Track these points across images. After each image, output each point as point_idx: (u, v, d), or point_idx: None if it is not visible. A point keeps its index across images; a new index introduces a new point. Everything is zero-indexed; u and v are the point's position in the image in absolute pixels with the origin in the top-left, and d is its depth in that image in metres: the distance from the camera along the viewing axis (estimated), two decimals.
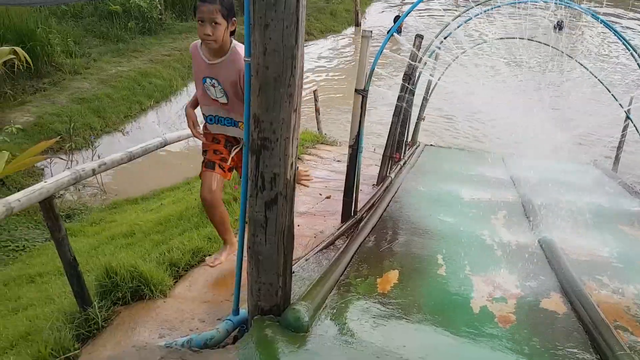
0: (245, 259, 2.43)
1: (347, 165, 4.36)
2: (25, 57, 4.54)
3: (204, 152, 3.21)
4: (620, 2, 15.18)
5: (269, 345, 2.26)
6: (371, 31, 3.97)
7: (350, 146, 4.29)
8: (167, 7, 13.02)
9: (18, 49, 4.72)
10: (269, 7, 1.83)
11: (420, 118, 8.97)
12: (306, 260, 3.36)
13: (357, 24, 14.81)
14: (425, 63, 7.12)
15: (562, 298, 3.01)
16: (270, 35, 1.89)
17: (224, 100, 3.01)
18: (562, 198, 5.34)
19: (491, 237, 4.23)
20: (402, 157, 7.29)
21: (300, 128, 2.18)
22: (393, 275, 3.22)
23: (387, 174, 6.08)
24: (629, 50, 5.80)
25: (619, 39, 5.87)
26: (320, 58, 13.24)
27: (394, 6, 16.26)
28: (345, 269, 3.25)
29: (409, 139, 8.43)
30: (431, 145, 9.40)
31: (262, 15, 1.84)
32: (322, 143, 8.84)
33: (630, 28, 14.69)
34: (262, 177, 2.16)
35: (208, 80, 2.98)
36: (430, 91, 8.76)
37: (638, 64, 6.10)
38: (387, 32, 14.51)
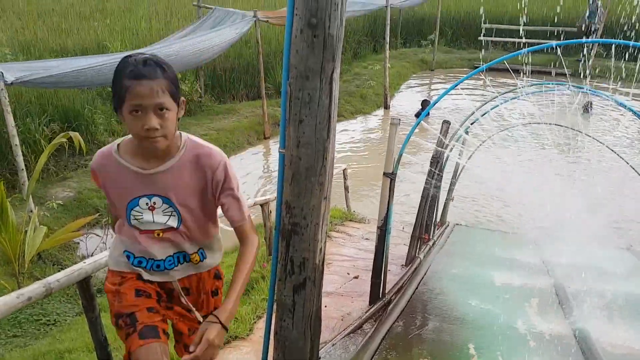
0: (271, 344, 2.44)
1: (376, 246, 4.39)
2: (80, 142, 4.84)
3: (127, 317, 1.95)
4: None
5: None
6: (399, 119, 4.13)
7: (378, 227, 4.33)
8: (207, 90, 13.74)
9: (74, 134, 5.05)
10: (304, 105, 1.97)
11: (449, 198, 9.00)
12: (333, 345, 3.32)
13: (386, 107, 15.25)
14: (453, 147, 7.25)
15: None
16: (304, 130, 2.02)
17: (172, 224, 1.98)
18: (596, 285, 5.19)
19: (525, 326, 4.10)
20: (430, 237, 7.26)
21: (329, 214, 2.26)
22: None
23: (416, 255, 6.04)
24: None
25: None
26: (350, 138, 13.60)
27: (422, 89, 16.76)
28: (373, 356, 3.20)
29: (438, 220, 8.44)
30: (460, 224, 9.34)
31: (297, 112, 1.98)
32: (350, 220, 8.89)
33: None
34: (292, 261, 2.22)
35: (143, 200, 1.95)
36: (458, 174, 8.84)
37: None
38: (416, 117, 14.91)
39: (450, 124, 6.08)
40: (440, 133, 5.99)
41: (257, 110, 13.28)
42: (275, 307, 2.37)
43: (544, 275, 5.88)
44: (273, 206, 5.72)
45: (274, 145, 13.30)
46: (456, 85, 4.01)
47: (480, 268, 6.04)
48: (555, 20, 16.71)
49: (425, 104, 14.06)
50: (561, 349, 3.55)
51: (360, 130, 14.08)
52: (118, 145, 1.95)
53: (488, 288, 5.17)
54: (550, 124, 6.98)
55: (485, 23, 17.83)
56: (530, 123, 7.97)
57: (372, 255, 5.69)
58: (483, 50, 17.27)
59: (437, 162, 6.13)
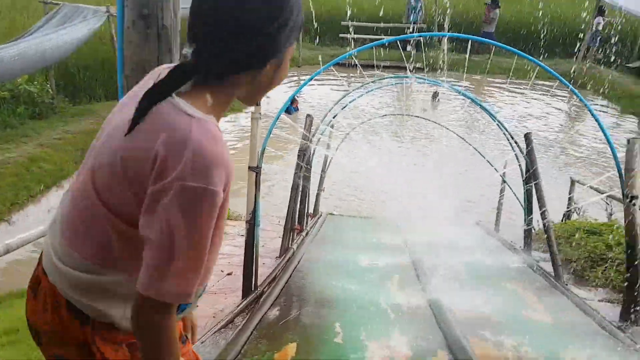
0: None
1: (245, 240, 4.42)
2: None
3: None
4: (501, 72, 17.15)
5: None
6: (260, 113, 4.20)
7: (247, 221, 4.37)
8: (60, 90, 12.71)
9: None
10: None
11: (320, 190, 9.32)
12: (202, 343, 3.30)
13: (257, 103, 15.27)
14: (319, 140, 7.52)
15: (447, 355, 3.19)
16: None
17: None
18: (449, 259, 5.73)
19: (386, 301, 4.40)
20: (304, 227, 7.47)
21: None
22: (291, 349, 3.25)
23: (290, 246, 6.18)
24: (495, 121, 6.54)
25: (485, 111, 6.63)
26: (223, 136, 13.47)
27: (291, 85, 17.08)
28: (243, 347, 3.23)
29: (311, 210, 8.70)
30: (333, 214, 9.71)
31: None
32: (226, 218, 8.82)
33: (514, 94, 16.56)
34: None
35: None
36: (327, 166, 9.19)
37: (504, 133, 6.88)
38: (286, 113, 15.17)
39: (313, 118, 6.29)
40: (304, 127, 6.18)
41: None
42: None
43: (404, 253, 6.34)
44: None
45: None
46: (310, 79, 4.19)
47: (349, 253, 6.35)
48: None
49: (294, 100, 14.33)
50: (418, 319, 3.88)
51: (232, 127, 14.00)
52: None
53: (355, 270, 5.47)
54: (403, 114, 7.53)
55: (345, 21, 18.59)
56: (386, 115, 8.52)
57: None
58: (348, 46, 18.04)
59: (303, 155, 6.32)
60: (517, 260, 6.28)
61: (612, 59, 17.05)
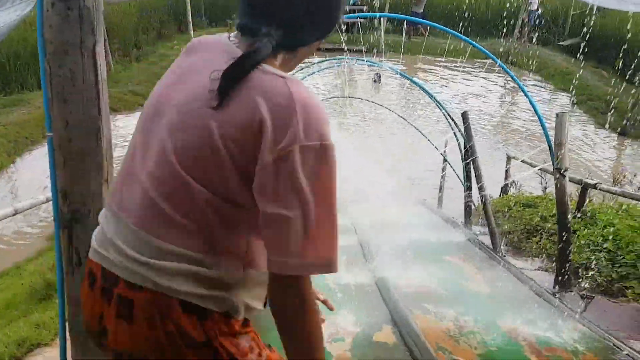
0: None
1: None
2: None
3: None
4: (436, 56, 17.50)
5: None
6: None
7: None
8: None
9: None
10: (67, 83, 1.85)
11: None
12: None
13: None
14: None
15: (392, 329, 3.28)
16: (70, 110, 1.90)
17: None
18: (394, 238, 5.85)
19: (334, 281, 4.45)
20: None
21: None
22: None
23: None
24: (433, 101, 6.68)
25: (424, 92, 6.76)
26: None
27: None
28: None
29: None
30: None
31: (60, 91, 1.85)
32: None
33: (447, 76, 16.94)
34: (77, 253, 2.09)
35: None
36: None
37: (443, 113, 7.05)
38: None
39: None
40: None
41: None
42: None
43: (351, 235, 6.42)
44: None
45: None
46: None
47: None
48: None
49: None
50: (364, 297, 3.95)
51: None
52: None
53: None
54: (346, 97, 7.56)
55: None
56: (329, 98, 8.53)
57: None
58: None
59: None
60: (457, 235, 6.50)
61: (545, 37, 17.75)
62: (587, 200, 7.10)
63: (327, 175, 1.00)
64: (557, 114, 4.12)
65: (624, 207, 6.14)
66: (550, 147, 4.21)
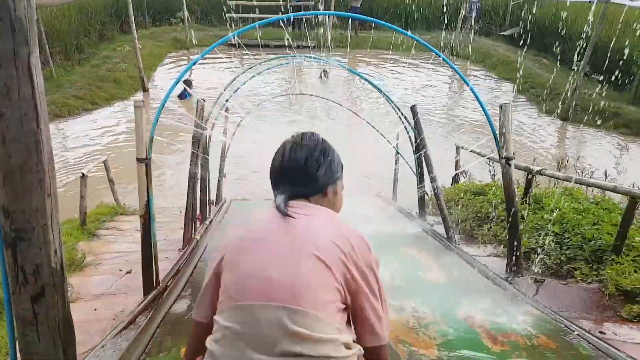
0: None
1: (141, 235, 4.23)
2: None
3: None
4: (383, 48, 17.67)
5: None
6: (143, 101, 3.99)
7: (141, 216, 4.18)
8: None
9: None
10: (2, 97, 1.77)
11: (221, 177, 9.15)
12: (102, 347, 3.13)
13: (145, 90, 14.58)
14: (213, 125, 7.34)
15: None
16: (7, 124, 1.82)
17: None
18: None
19: None
20: (207, 216, 7.31)
21: (59, 213, 2.09)
22: None
23: (193, 236, 6.01)
24: (383, 96, 6.75)
25: (373, 86, 6.83)
26: (111, 127, 12.73)
27: (181, 68, 16.45)
28: (147, 346, 3.12)
29: (213, 198, 8.53)
30: (237, 200, 9.60)
31: None
32: (121, 214, 8.40)
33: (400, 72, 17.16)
34: (23, 271, 2.01)
35: None
36: (226, 152, 9.02)
37: (392, 106, 7.14)
38: (179, 98, 14.60)
39: (204, 103, 6.10)
40: (196, 114, 5.99)
41: None
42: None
43: None
44: None
45: None
46: (194, 63, 4.04)
47: None
48: None
49: (187, 83, 13.80)
50: None
51: (121, 117, 13.26)
52: None
53: None
54: (296, 94, 7.54)
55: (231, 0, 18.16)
56: (279, 95, 8.48)
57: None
58: (234, 25, 17.65)
59: (198, 142, 6.13)
60: (412, 226, 6.62)
61: (487, 28, 18.23)
62: (534, 186, 7.38)
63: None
64: (500, 105, 4.25)
65: (569, 191, 6.42)
66: (495, 136, 4.33)
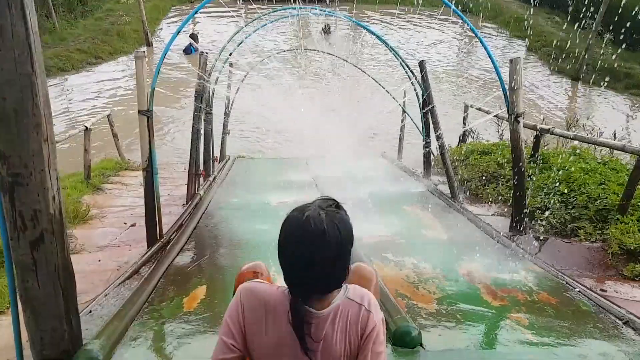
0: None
1: (144, 189, 4.23)
2: None
3: None
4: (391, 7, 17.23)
5: None
6: (144, 51, 3.91)
7: (143, 169, 4.16)
8: None
9: None
10: None
11: (225, 133, 9.09)
12: (105, 296, 3.17)
13: (149, 44, 14.36)
14: (217, 79, 7.23)
15: None
16: (1, 66, 1.77)
17: None
18: (355, 190, 5.88)
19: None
20: (211, 172, 7.31)
21: (56, 159, 2.06)
22: (200, 292, 3.22)
23: (196, 192, 6.02)
24: (390, 51, 6.61)
25: (380, 41, 6.66)
26: (117, 81, 12.61)
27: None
28: (150, 295, 3.15)
29: (217, 155, 8.50)
30: (242, 157, 9.57)
31: None
32: (126, 169, 8.41)
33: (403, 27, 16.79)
34: (22, 216, 2.00)
35: None
36: (230, 107, 8.92)
37: (400, 62, 6.99)
38: (184, 52, 14.34)
39: (207, 56, 5.99)
40: (199, 66, 5.89)
41: None
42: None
43: (313, 189, 6.41)
44: None
45: None
46: (193, 14, 3.93)
47: (259, 193, 6.32)
48: None
49: (193, 37, 13.58)
50: None
51: (127, 71, 13.12)
52: None
53: (265, 209, 5.46)
54: (300, 49, 7.38)
55: None
56: (284, 50, 8.30)
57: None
58: None
59: (201, 96, 6.05)
60: (417, 186, 6.59)
61: None
62: (543, 146, 7.29)
63: None
64: (510, 60, 4.13)
65: (577, 151, 6.33)
66: (504, 92, 4.24)
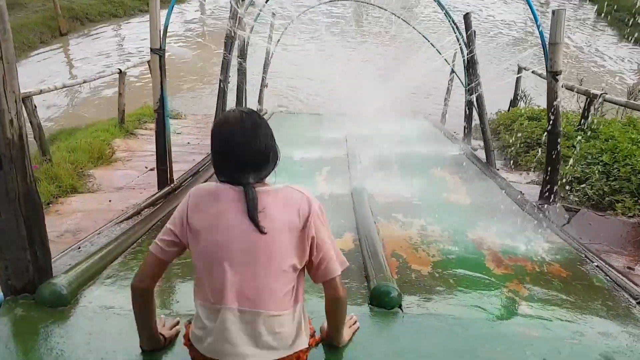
0: None
1: (156, 131, 4.15)
2: None
3: None
4: None
5: (21, 325, 2.06)
6: None
7: (155, 110, 4.08)
8: None
9: None
10: None
11: (263, 85, 8.94)
12: (99, 233, 3.14)
13: None
14: (252, 28, 7.03)
15: (354, 236, 3.13)
16: None
17: None
18: (384, 150, 5.63)
19: (312, 190, 4.28)
20: None
21: (16, 80, 1.96)
22: None
23: None
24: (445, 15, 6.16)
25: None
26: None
27: None
28: (141, 237, 3.10)
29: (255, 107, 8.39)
30: (280, 112, 9.43)
31: None
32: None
33: None
34: None
35: None
36: (270, 58, 8.74)
37: (448, 19, 6.52)
38: None
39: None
40: (230, 11, 5.69)
41: (49, 3, 11.54)
42: None
43: (342, 146, 6.19)
44: (38, 101, 5.13)
45: (75, 44, 11.82)
46: None
47: (287, 147, 6.16)
48: None
49: None
50: (337, 206, 3.79)
51: (178, 18, 13.15)
52: None
53: (288, 164, 5.30)
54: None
55: None
56: (330, 0, 7.96)
57: (179, 149, 5.46)
58: None
59: (231, 43, 5.86)
60: (453, 149, 6.23)
61: None
62: (599, 114, 6.71)
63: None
64: (553, 11, 3.70)
65: (632, 121, 5.77)
66: (544, 48, 3.82)
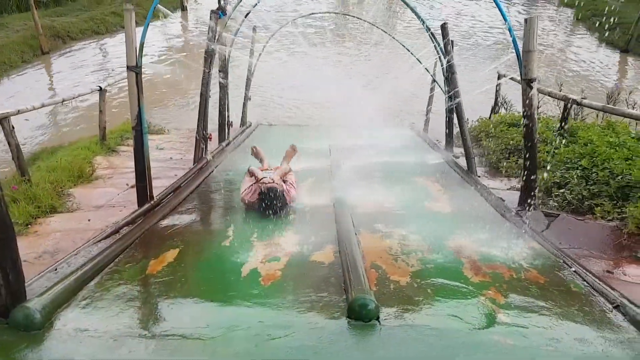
0: None
1: (134, 148, 4.13)
2: None
3: None
4: None
5: None
6: (132, 5, 3.76)
7: (133, 128, 4.06)
8: None
9: None
10: None
11: (246, 98, 8.95)
12: (76, 255, 3.10)
13: (183, 8, 14.31)
14: (233, 41, 7.03)
15: (334, 248, 3.12)
16: None
17: None
18: (367, 159, 5.65)
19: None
20: (226, 137, 7.20)
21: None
22: (170, 255, 3.10)
23: (203, 155, 5.92)
24: (412, 11, 6.22)
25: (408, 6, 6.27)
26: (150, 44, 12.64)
27: None
28: (119, 256, 3.07)
29: (231, 120, 8.36)
30: (263, 124, 9.43)
31: None
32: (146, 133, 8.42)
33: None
34: None
35: None
36: (252, 71, 8.76)
37: (425, 30, 6.57)
38: (213, 12, 14.21)
39: (218, 14, 5.78)
40: (208, 29, 5.70)
41: (30, 22, 11.48)
42: None
43: (326, 157, 6.19)
44: (15, 121, 5.08)
45: (56, 61, 11.76)
46: None
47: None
48: None
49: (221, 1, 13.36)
50: (318, 218, 3.79)
51: (159, 35, 13.14)
52: None
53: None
54: (326, 12, 7.07)
55: None
56: (310, 14, 8.00)
57: (161, 164, 5.43)
58: None
59: (210, 58, 5.86)
60: (435, 157, 6.27)
61: None
62: (578, 119, 6.78)
63: None
64: (525, 19, 3.75)
65: (610, 125, 5.83)
66: (518, 55, 3.87)
